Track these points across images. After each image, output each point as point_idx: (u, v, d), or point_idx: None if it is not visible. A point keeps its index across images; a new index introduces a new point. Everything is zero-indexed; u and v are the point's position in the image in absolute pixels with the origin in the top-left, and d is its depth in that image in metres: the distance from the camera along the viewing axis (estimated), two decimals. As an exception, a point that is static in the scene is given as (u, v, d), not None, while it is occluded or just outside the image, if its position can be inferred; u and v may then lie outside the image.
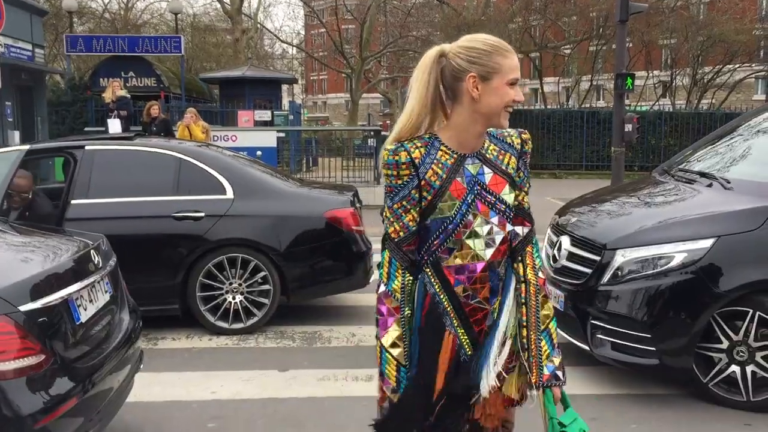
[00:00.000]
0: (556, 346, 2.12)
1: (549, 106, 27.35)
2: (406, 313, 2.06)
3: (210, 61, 35.95)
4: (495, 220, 2.03)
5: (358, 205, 6.16)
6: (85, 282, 3.20)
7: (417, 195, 2.01)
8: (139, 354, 3.79)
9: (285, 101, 28.59)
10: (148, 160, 5.82)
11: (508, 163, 2.07)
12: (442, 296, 2.04)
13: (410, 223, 2.03)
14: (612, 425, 4.01)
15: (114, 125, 12.75)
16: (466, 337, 2.06)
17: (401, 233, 2.04)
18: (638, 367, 4.42)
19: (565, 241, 4.96)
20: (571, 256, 4.85)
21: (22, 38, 14.59)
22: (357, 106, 33.28)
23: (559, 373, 2.10)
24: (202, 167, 5.74)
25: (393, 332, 2.05)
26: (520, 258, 2.12)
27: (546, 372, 2.07)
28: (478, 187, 2.02)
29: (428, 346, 2.05)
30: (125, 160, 5.84)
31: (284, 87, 29.23)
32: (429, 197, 2.01)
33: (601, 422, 4.03)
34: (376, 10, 31.08)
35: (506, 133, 2.10)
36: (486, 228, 2.03)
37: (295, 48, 44.74)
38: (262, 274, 5.62)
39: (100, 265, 3.44)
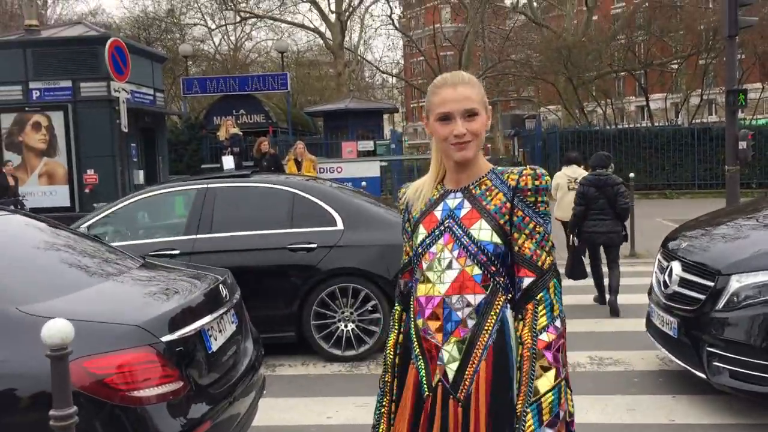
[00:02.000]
0: (550, 424, 1.79)
1: (657, 124, 26.51)
2: (390, 339, 2.13)
3: (314, 94, 37.18)
4: (455, 253, 1.92)
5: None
6: (215, 314, 3.48)
7: (409, 228, 2.09)
8: (262, 381, 4.04)
9: (386, 129, 29.13)
10: (265, 195, 6.19)
11: (491, 200, 1.94)
12: (412, 326, 2.03)
13: (404, 256, 2.14)
14: (733, 456, 3.90)
15: (228, 162, 13.46)
16: (424, 373, 1.97)
17: (400, 264, 2.15)
18: (760, 396, 4.28)
19: (677, 266, 4.88)
20: (684, 282, 4.76)
21: (144, 84, 15.69)
22: (457, 132, 33.41)
23: None
24: (313, 200, 6.04)
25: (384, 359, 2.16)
26: (520, 315, 1.89)
27: None
28: (451, 221, 1.96)
29: (401, 377, 2.06)
30: (244, 196, 6.24)
31: (385, 116, 29.84)
32: (411, 230, 2.07)
33: (720, 453, 3.93)
34: (474, 36, 31.27)
35: (509, 171, 1.97)
36: (445, 261, 1.94)
37: (394, 77, 45.55)
38: (372, 302, 5.82)
39: (227, 298, 3.73)
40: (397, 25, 36.96)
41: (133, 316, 3.03)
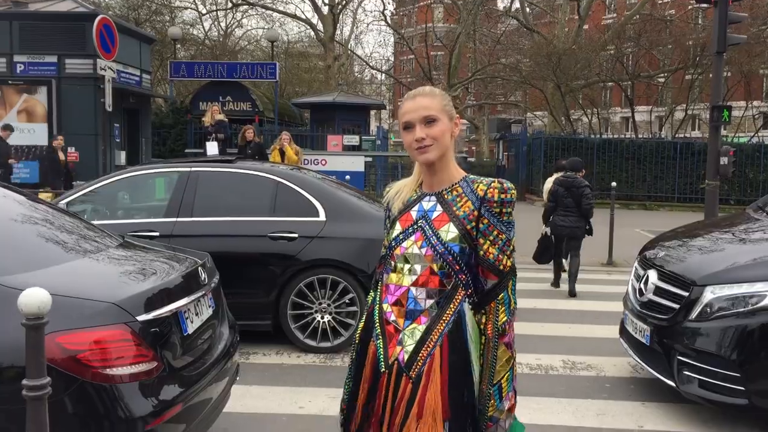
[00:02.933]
0: (508, 396, 2.12)
1: (641, 136, 26.76)
2: (363, 321, 2.31)
3: (302, 86, 37.04)
4: (424, 251, 2.13)
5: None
6: (192, 297, 3.46)
7: (388, 224, 2.31)
8: (236, 367, 4.03)
9: (372, 126, 29.10)
10: (249, 182, 6.16)
11: (461, 206, 2.14)
12: (376, 309, 2.24)
13: (383, 249, 2.30)
14: (698, 464, 3.95)
15: (212, 147, 13.38)
16: (382, 351, 2.18)
17: (380, 255, 2.33)
18: (726, 406, 4.34)
19: (653, 275, 4.93)
20: (659, 291, 4.82)
21: (131, 64, 15.54)
22: (443, 132, 33.46)
23: (504, 423, 2.11)
24: (297, 190, 6.02)
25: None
26: (483, 311, 2.14)
27: (489, 422, 2.10)
28: (424, 221, 2.17)
29: (359, 354, 2.26)
30: (228, 182, 6.19)
31: (372, 112, 29.81)
32: (389, 226, 2.28)
33: (686, 460, 3.98)
34: (465, 38, 31.32)
35: (479, 181, 2.17)
36: (414, 256, 2.15)
37: (383, 74, 45.52)
38: (350, 295, 5.82)
39: (206, 281, 3.70)
40: (389, 22, 36.92)
41: (110, 293, 3.01)
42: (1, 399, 2.70)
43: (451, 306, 2.12)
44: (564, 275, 8.87)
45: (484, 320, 2.12)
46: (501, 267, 2.10)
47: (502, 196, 2.12)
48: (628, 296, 5.36)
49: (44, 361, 1.82)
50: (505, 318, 2.10)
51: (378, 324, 2.21)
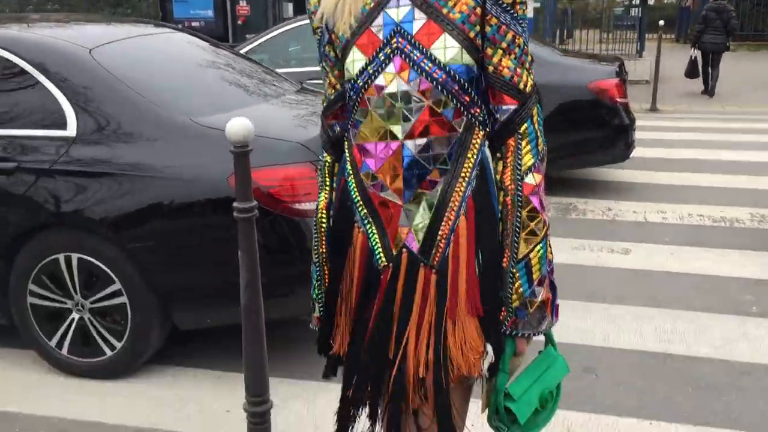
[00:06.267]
0: (541, 281, 1.48)
1: None
2: (321, 200, 1.66)
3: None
4: (414, 84, 1.43)
5: (624, 76, 5.93)
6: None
7: (332, 53, 1.56)
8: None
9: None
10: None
11: (454, 6, 1.41)
12: (351, 181, 1.55)
13: (329, 90, 1.61)
14: None
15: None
16: (377, 238, 1.52)
17: (323, 103, 1.64)
18: None
19: None
20: None
21: None
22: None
23: (533, 321, 1.48)
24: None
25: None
26: (499, 154, 1.48)
27: (514, 317, 1.48)
28: (400, 39, 1.43)
29: (338, 244, 1.61)
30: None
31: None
32: (339, 55, 1.54)
33: None
34: None
35: None
36: (402, 94, 1.44)
37: None
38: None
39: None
40: None
41: (295, 133, 3.15)
42: (204, 228, 2.98)
43: (469, 155, 1.46)
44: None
45: (500, 167, 1.47)
46: (522, 86, 1.44)
47: None
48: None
49: (251, 185, 1.95)
50: (532, 161, 1.45)
51: (360, 203, 1.53)
